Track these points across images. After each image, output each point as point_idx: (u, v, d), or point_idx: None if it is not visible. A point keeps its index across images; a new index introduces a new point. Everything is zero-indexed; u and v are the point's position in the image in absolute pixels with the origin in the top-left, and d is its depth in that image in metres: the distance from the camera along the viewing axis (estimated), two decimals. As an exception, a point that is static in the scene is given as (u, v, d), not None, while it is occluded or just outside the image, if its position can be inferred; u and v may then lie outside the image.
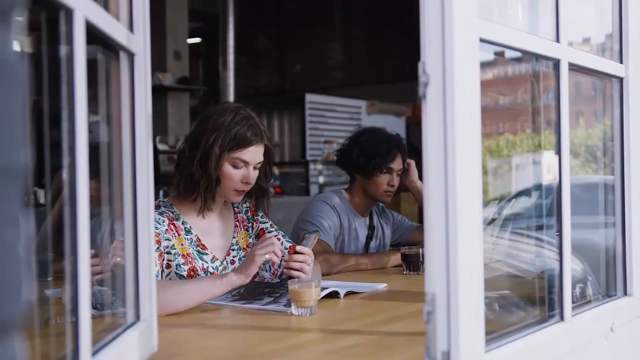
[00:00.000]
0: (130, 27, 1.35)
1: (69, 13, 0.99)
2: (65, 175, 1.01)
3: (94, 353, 1.09)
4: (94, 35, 1.11)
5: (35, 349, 1.05)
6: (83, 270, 1.01)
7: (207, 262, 2.25)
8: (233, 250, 2.36)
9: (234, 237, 2.37)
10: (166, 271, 2.16)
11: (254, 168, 2.25)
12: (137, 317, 1.38)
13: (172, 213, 2.24)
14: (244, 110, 2.25)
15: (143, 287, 1.39)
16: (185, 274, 2.18)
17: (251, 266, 1.99)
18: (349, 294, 2.19)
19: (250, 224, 2.43)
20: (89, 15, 1.05)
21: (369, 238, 3.13)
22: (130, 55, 1.35)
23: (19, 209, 0.54)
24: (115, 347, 1.21)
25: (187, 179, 2.22)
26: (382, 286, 2.36)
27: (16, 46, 0.56)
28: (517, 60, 1.74)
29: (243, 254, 2.36)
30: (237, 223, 2.40)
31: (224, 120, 2.19)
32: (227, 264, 2.31)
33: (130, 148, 1.36)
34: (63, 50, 1.01)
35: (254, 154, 2.23)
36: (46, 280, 1.36)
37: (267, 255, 1.99)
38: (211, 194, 2.23)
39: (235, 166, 2.21)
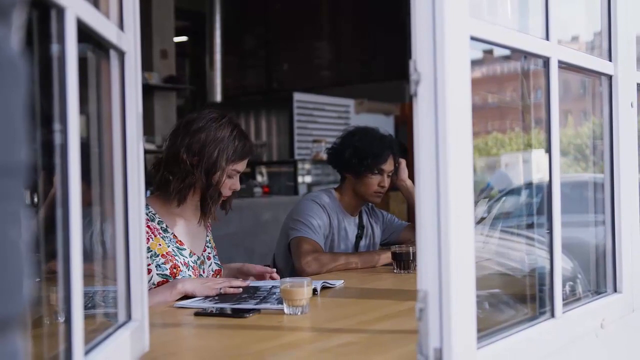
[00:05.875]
0: (121, 26, 1.35)
1: (61, 11, 0.99)
2: (57, 175, 1.01)
3: (86, 352, 1.09)
4: (84, 34, 1.11)
5: (26, 349, 1.04)
6: (75, 270, 1.01)
7: (186, 257, 2.30)
8: (208, 247, 2.44)
9: (207, 236, 2.46)
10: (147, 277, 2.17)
11: None
12: (129, 317, 1.37)
13: (147, 214, 2.25)
14: (234, 121, 2.35)
15: (134, 287, 1.38)
16: (168, 272, 2.20)
17: (204, 290, 2.12)
18: (324, 288, 2.24)
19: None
20: (80, 13, 1.05)
21: (359, 237, 3.12)
22: (121, 54, 1.35)
23: (21, 206, 0.55)
24: (107, 347, 1.20)
25: (188, 188, 2.27)
26: (339, 283, 2.38)
27: (16, 44, 0.56)
28: (506, 58, 1.75)
29: (215, 252, 2.48)
30: (208, 224, 2.49)
31: (223, 134, 2.27)
32: (204, 258, 2.40)
33: (121, 148, 1.35)
34: (54, 48, 1.00)
35: (245, 163, 2.35)
36: (35, 281, 1.35)
37: (222, 290, 2.13)
38: (217, 203, 2.32)
39: (230, 176, 2.30)
